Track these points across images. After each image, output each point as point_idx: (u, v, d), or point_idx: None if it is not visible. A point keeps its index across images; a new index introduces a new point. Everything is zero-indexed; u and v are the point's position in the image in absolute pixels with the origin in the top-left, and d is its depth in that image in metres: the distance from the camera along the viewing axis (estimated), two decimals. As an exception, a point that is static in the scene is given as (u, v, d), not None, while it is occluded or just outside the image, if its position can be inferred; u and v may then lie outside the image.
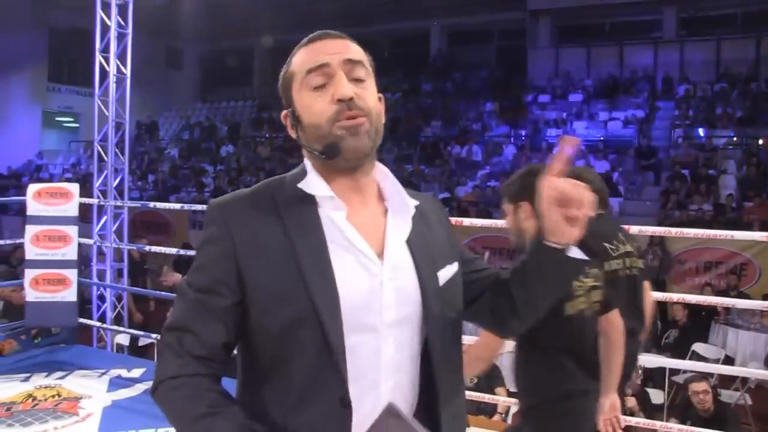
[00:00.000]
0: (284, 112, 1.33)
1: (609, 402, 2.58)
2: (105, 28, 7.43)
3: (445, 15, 20.26)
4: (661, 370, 6.65)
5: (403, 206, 1.33)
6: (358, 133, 1.24)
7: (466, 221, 4.66)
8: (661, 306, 8.43)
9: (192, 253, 5.93)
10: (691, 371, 5.54)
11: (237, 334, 1.24)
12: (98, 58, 7.42)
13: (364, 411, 1.19)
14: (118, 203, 7.20)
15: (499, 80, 19.30)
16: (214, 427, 1.13)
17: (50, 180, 17.01)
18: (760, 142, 14.10)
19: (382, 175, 1.36)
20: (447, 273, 1.35)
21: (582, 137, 15.57)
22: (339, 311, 1.19)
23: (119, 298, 7.65)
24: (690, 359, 7.08)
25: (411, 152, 16.41)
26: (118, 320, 7.54)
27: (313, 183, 1.27)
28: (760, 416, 6.70)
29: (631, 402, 5.41)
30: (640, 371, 5.75)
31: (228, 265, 1.22)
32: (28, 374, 5.28)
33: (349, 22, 20.13)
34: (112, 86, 7.40)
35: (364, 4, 18.98)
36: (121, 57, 7.50)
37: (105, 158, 7.44)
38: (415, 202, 1.36)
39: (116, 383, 5.20)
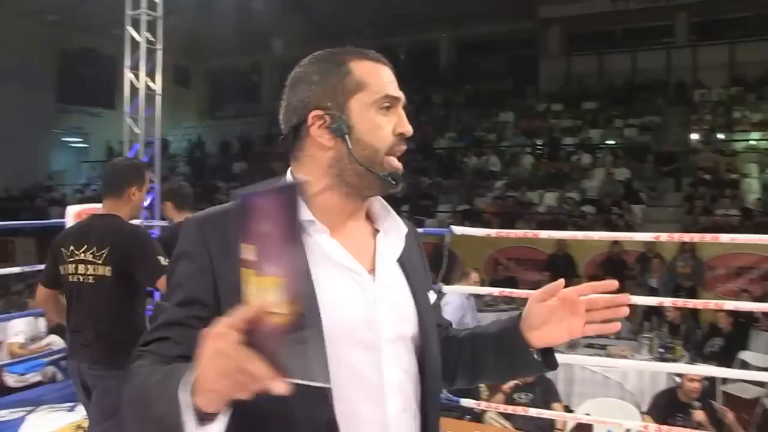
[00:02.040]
0: (319, 112, 1.26)
1: None
2: (133, 45, 7.33)
3: (454, 26, 20.19)
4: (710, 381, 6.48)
5: (395, 226, 1.35)
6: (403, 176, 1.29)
7: (493, 232, 4.60)
8: (694, 312, 8.32)
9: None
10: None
11: None
12: (127, 74, 7.32)
13: (377, 428, 1.20)
14: (151, 223, 7.07)
15: (512, 90, 19.24)
16: (170, 379, 0.97)
17: (63, 200, 16.89)
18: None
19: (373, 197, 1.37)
20: (432, 296, 1.38)
21: (598, 145, 15.55)
22: (321, 327, 1.15)
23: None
24: (738, 368, 6.93)
25: (426, 164, 16.30)
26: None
27: None
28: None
29: (700, 416, 5.23)
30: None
31: (204, 280, 1.18)
32: (72, 403, 5.04)
33: (360, 36, 20.17)
34: (142, 103, 7.28)
35: (374, 17, 18.94)
36: (150, 74, 7.41)
37: None
38: (404, 222, 1.38)
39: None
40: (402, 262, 1.33)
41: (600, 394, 5.81)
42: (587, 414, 4.70)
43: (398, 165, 1.28)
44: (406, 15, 19.42)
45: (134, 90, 7.34)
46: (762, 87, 16.22)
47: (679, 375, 5.49)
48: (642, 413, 5.30)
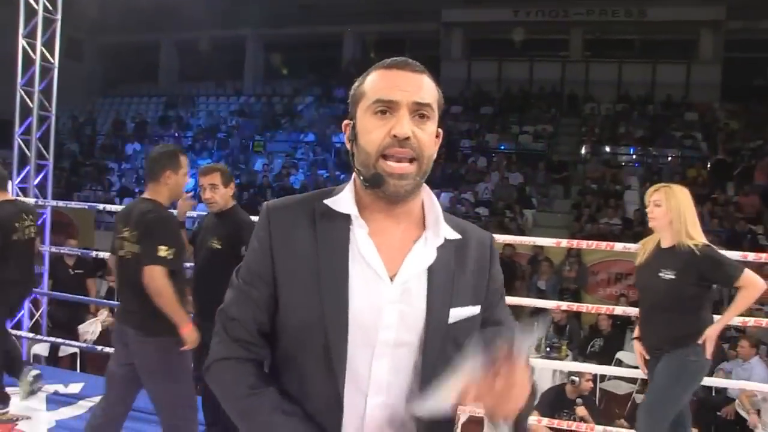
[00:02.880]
0: (347, 121, 1.39)
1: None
2: (29, 13, 6.87)
3: (358, 21, 20.22)
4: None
5: (433, 235, 1.37)
6: (401, 178, 1.30)
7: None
8: (577, 314, 8.73)
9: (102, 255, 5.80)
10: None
11: (272, 325, 1.37)
12: (21, 43, 6.85)
13: (353, 415, 1.31)
14: (41, 202, 6.66)
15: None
16: (253, 405, 1.31)
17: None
18: (662, 160, 14.91)
19: (428, 201, 1.41)
20: (462, 313, 1.36)
21: (495, 149, 16.02)
22: (346, 323, 1.28)
23: (36, 304, 7.05)
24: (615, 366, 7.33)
25: (326, 157, 16.24)
26: (35, 329, 6.95)
27: (340, 200, 1.36)
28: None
29: (582, 411, 5.53)
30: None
31: (265, 262, 1.35)
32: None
33: (264, 23, 19.86)
34: (38, 76, 6.86)
35: (279, 7, 18.67)
36: (47, 45, 6.98)
37: (28, 153, 6.88)
38: (456, 236, 1.39)
39: (55, 401, 4.81)
40: (432, 271, 1.35)
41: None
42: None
43: (390, 168, 1.29)
44: (310, 6, 19.27)
45: (28, 60, 6.89)
46: (644, 105, 17.25)
47: (577, 375, 5.77)
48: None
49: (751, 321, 4.47)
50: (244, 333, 1.36)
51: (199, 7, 17.43)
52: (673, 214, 3.53)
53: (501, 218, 12.52)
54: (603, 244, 4.80)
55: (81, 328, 7.44)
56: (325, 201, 1.36)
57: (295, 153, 17.11)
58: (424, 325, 1.32)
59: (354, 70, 20.81)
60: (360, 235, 1.33)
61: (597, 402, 6.80)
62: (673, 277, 3.50)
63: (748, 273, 3.46)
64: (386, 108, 1.30)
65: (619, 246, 4.08)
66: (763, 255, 4.19)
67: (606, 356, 7.88)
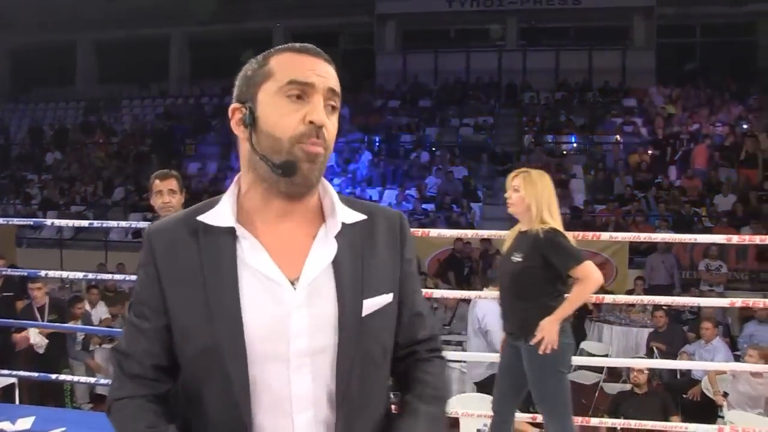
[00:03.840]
0: (236, 105, 1.27)
1: None
2: None
3: (288, 16, 19.57)
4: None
5: (333, 225, 1.29)
6: (315, 161, 1.22)
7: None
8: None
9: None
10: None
11: (170, 357, 1.28)
12: None
13: None
14: None
15: (348, 85, 18.94)
16: None
17: None
18: (605, 147, 14.89)
19: (322, 189, 1.33)
20: (376, 302, 1.29)
21: (436, 143, 15.69)
22: (242, 342, 1.20)
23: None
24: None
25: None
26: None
27: (217, 214, 1.26)
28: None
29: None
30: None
31: (153, 290, 1.26)
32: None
33: (189, 21, 18.97)
34: None
35: (203, 3, 17.83)
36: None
37: None
38: (358, 217, 1.31)
39: (13, 441, 4.19)
40: (337, 263, 1.26)
41: (458, 390, 5.83)
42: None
43: (311, 150, 1.21)
44: (237, 1, 18.52)
45: None
46: (583, 92, 17.22)
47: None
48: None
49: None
50: (139, 368, 1.28)
51: (120, 4, 16.50)
52: (530, 199, 3.55)
53: (449, 213, 12.17)
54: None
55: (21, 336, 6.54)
56: (199, 218, 1.26)
57: (229, 156, 16.34)
58: (338, 323, 1.24)
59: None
60: (247, 246, 1.24)
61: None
62: (520, 259, 3.55)
63: (586, 265, 3.47)
64: (301, 92, 1.22)
65: (568, 235, 3.81)
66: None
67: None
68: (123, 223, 8.05)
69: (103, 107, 19.64)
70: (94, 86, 21.32)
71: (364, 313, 1.26)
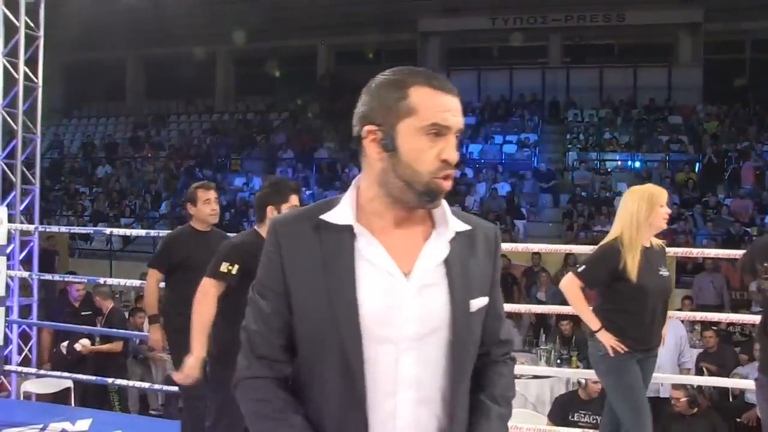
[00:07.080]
0: (373, 127, 1.37)
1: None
2: (9, 30, 6.52)
3: (331, 33, 19.77)
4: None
5: (444, 231, 1.42)
6: (444, 193, 1.38)
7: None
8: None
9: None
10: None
11: (290, 338, 1.41)
12: (2, 61, 6.46)
13: (382, 416, 1.35)
14: (26, 227, 6.33)
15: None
16: (275, 430, 1.36)
17: None
18: (649, 164, 14.70)
19: None
20: (477, 303, 1.43)
21: (480, 160, 15.68)
22: (357, 322, 1.33)
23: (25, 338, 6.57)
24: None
25: (307, 174, 15.75)
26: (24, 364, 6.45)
27: (338, 213, 1.39)
28: None
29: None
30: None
31: (276, 274, 1.40)
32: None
33: (234, 39, 19.31)
34: (21, 95, 6.55)
35: (249, 21, 18.15)
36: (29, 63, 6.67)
37: (13, 178, 6.57)
38: (466, 227, 1.44)
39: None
40: (449, 263, 1.39)
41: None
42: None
43: (443, 186, 1.36)
44: (283, 20, 18.78)
45: (10, 80, 6.55)
46: (628, 110, 17.06)
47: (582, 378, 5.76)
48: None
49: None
50: (267, 349, 1.40)
51: (168, 22, 16.87)
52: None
53: (493, 230, 12.13)
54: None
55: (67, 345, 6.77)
56: (322, 217, 1.39)
57: (272, 170, 16.56)
58: (450, 316, 1.37)
59: (329, 83, 20.39)
60: (364, 241, 1.37)
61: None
62: (668, 273, 3.60)
63: (566, 278, 3.53)
64: (438, 131, 1.33)
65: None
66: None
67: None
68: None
69: (151, 122, 20.08)
70: (142, 102, 21.82)
71: (471, 310, 1.41)
